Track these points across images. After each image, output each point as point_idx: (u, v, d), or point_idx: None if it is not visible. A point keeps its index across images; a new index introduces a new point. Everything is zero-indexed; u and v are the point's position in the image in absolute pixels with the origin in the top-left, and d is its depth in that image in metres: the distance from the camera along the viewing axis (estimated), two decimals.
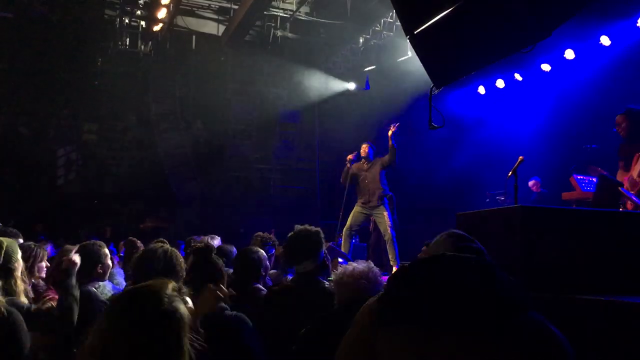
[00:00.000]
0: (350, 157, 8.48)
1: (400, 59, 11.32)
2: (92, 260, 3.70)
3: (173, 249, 3.27)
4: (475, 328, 1.50)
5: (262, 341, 3.16)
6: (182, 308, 1.78)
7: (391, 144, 8.13)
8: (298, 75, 14.31)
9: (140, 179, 13.55)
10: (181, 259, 3.22)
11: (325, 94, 14.16)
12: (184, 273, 3.09)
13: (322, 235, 3.55)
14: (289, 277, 4.64)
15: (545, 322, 1.58)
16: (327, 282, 3.37)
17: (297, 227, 3.58)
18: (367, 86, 12.49)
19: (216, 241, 5.81)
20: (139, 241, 6.29)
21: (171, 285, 1.83)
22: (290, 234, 3.55)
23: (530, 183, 9.65)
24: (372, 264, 2.85)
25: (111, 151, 14.28)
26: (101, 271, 3.79)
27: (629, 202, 5.70)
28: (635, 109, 6.35)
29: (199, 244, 3.62)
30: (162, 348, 1.69)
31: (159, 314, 1.73)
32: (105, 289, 4.04)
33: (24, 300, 3.25)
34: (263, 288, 3.82)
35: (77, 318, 3.17)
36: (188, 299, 1.86)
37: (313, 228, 3.56)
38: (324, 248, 3.54)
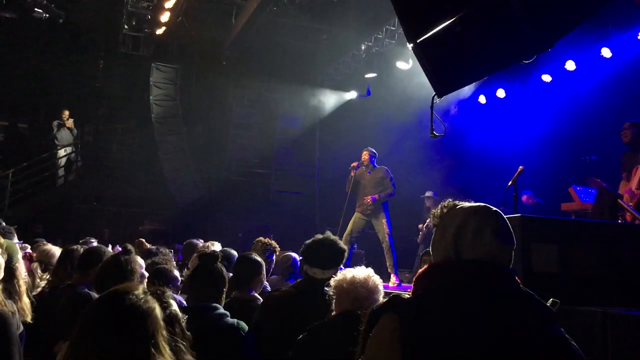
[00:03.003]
0: (354, 164, 8.46)
1: (402, 67, 11.33)
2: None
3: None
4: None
5: (258, 347, 3.16)
6: (157, 308, 1.81)
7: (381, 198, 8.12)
8: (299, 81, 14.33)
9: (140, 182, 13.54)
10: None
11: (326, 105, 14.22)
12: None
13: (344, 252, 3.51)
14: (291, 282, 4.63)
15: (567, 339, 1.60)
16: (326, 289, 3.35)
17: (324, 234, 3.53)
18: (369, 92, 12.51)
19: (216, 247, 5.79)
20: (147, 243, 6.32)
21: (141, 287, 1.87)
22: (320, 237, 3.48)
23: (524, 198, 9.63)
24: (372, 271, 2.84)
25: (111, 153, 14.29)
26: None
27: (628, 214, 5.72)
28: None
29: (205, 250, 3.63)
30: (138, 347, 1.72)
31: (136, 313, 1.75)
32: None
33: (26, 300, 3.22)
34: (259, 297, 3.81)
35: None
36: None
37: (338, 242, 3.50)
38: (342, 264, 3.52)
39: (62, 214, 12.82)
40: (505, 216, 1.83)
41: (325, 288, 3.16)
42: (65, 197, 12.85)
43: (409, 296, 1.75)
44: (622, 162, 6.45)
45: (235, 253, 5.08)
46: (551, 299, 1.77)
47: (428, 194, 10.66)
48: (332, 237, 3.49)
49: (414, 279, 1.81)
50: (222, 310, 3.08)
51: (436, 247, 1.83)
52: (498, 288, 1.65)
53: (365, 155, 8.44)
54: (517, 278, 1.73)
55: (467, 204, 1.85)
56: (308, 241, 3.48)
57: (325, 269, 3.33)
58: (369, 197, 8.10)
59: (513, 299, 1.63)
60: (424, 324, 1.59)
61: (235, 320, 3.10)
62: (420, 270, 1.83)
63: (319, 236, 3.49)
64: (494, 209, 1.83)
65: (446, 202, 1.90)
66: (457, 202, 1.88)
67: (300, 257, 3.57)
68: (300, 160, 14.62)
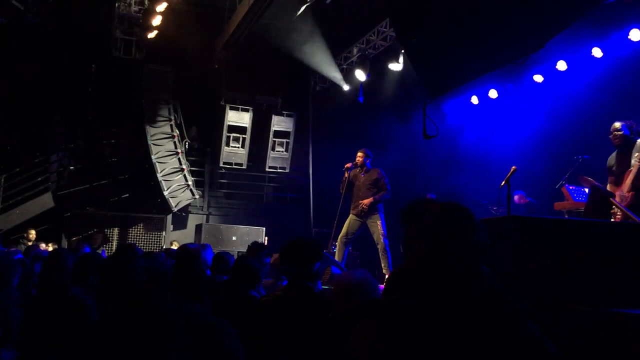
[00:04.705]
0: (348, 165, 8.44)
1: (394, 69, 11.35)
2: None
3: None
4: (478, 348, 1.51)
5: (256, 351, 3.17)
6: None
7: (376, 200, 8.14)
8: (292, 83, 14.33)
9: (133, 186, 13.52)
10: None
11: (319, 106, 14.23)
12: None
13: (320, 246, 3.54)
14: (284, 285, 4.64)
15: (540, 334, 1.60)
16: (319, 291, 3.36)
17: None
18: (361, 98, 12.53)
19: (207, 249, 5.80)
20: (137, 247, 6.30)
21: None
22: (289, 240, 3.51)
23: (515, 198, 9.67)
24: (368, 274, 2.85)
25: (104, 158, 14.23)
26: None
27: (620, 214, 5.74)
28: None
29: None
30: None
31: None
32: None
33: None
34: (257, 295, 3.82)
35: (72, 325, 3.18)
36: None
37: (312, 238, 3.56)
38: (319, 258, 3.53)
39: (55, 218, 12.77)
40: (473, 213, 1.82)
41: (322, 288, 3.17)
42: (58, 202, 12.79)
43: (382, 299, 1.74)
44: (610, 165, 6.43)
45: (232, 256, 5.09)
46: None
47: (429, 196, 10.58)
48: (305, 237, 3.53)
49: (386, 280, 1.80)
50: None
51: (409, 247, 1.81)
52: (472, 288, 1.64)
53: (360, 157, 8.41)
54: (489, 275, 1.73)
55: (439, 203, 1.84)
56: (284, 244, 3.50)
57: (306, 263, 3.35)
58: (364, 201, 8.09)
59: (487, 297, 1.63)
60: (397, 329, 1.58)
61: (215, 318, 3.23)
62: (392, 271, 1.82)
63: (294, 238, 3.51)
64: (465, 207, 1.82)
65: (418, 201, 1.89)
66: (429, 200, 1.87)
67: (282, 265, 3.59)
68: (294, 162, 14.61)
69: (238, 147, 13.93)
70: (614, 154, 6.44)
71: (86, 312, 3.34)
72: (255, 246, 5.18)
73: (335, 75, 13.49)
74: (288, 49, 13.08)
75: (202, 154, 14.45)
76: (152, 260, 4.40)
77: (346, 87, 13.57)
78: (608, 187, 6.36)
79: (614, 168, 6.37)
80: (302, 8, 11.25)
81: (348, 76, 13.38)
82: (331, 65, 13.37)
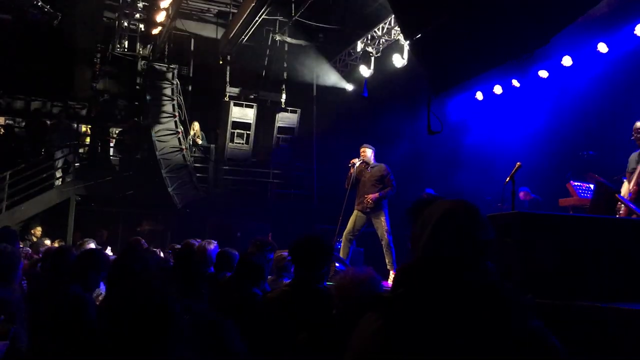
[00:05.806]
0: (354, 160, 8.40)
1: (399, 64, 11.32)
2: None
3: None
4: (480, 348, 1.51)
5: (258, 347, 3.17)
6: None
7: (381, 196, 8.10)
8: (296, 79, 14.31)
9: (138, 182, 13.53)
10: None
11: (323, 102, 14.20)
12: None
13: (331, 249, 3.47)
14: (285, 281, 4.64)
15: (544, 331, 1.60)
16: (325, 287, 3.34)
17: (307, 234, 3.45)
18: (365, 92, 12.50)
19: (212, 246, 5.79)
20: (143, 241, 6.35)
21: None
22: (300, 238, 3.44)
23: (521, 194, 9.62)
24: (372, 271, 2.83)
25: (108, 154, 14.27)
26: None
27: (624, 208, 5.73)
28: None
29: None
30: None
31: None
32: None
33: None
34: (261, 293, 3.82)
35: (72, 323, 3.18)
36: None
37: (322, 239, 3.45)
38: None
39: (60, 215, 12.80)
40: (480, 210, 1.82)
41: (326, 284, 3.15)
42: (63, 199, 12.82)
43: (388, 294, 1.74)
44: (630, 164, 6.32)
45: (236, 253, 5.08)
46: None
47: (427, 191, 10.54)
48: (317, 236, 3.46)
49: (394, 276, 1.81)
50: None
51: (416, 243, 1.82)
52: (476, 284, 1.65)
53: (364, 152, 8.37)
54: (494, 272, 1.73)
55: (445, 200, 1.85)
56: (294, 242, 3.42)
57: (313, 269, 3.31)
58: (370, 196, 8.06)
59: (491, 293, 1.63)
60: (403, 323, 1.58)
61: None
62: (400, 267, 1.82)
63: (305, 236, 3.43)
64: (471, 204, 1.82)
65: (425, 197, 1.89)
66: (435, 196, 1.88)
67: (289, 258, 3.56)
68: (298, 158, 14.60)
69: (242, 143, 13.92)
70: (635, 153, 6.33)
71: (84, 309, 3.33)
72: (259, 242, 5.17)
73: (336, 80, 13.47)
74: (291, 47, 13.07)
75: (206, 150, 14.45)
76: (153, 257, 4.41)
77: (350, 87, 13.54)
78: (624, 186, 6.30)
79: (633, 167, 6.28)
80: (305, 5, 11.22)
81: (352, 72, 13.35)
82: (333, 73, 13.38)
